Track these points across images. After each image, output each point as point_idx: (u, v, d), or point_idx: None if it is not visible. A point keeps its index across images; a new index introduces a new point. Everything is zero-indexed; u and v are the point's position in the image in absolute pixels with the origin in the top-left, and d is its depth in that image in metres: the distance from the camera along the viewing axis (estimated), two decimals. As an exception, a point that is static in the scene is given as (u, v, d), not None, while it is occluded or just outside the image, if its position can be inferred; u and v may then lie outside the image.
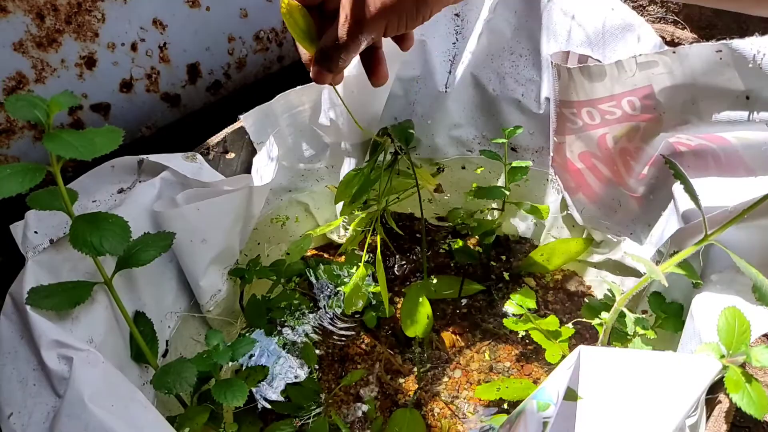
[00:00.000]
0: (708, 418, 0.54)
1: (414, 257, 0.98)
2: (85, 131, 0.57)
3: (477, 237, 0.96)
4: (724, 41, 0.60)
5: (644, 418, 0.50)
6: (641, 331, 0.66)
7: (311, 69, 0.56)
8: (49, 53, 0.74)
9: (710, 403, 0.55)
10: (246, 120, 0.80)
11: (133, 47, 0.83)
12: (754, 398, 0.49)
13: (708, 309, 0.59)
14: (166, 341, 0.75)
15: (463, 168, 0.99)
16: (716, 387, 0.55)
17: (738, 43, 0.59)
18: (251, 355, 0.82)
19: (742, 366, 0.53)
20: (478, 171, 0.98)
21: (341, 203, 0.93)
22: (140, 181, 0.73)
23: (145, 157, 0.74)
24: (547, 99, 0.85)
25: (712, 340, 0.55)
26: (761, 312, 0.56)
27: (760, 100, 0.60)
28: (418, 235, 1.01)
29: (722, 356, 0.52)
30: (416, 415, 0.74)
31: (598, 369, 0.51)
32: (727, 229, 0.58)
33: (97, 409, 0.52)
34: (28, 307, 0.57)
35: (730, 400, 0.50)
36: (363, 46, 0.51)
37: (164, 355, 0.74)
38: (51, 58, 0.75)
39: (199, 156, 0.76)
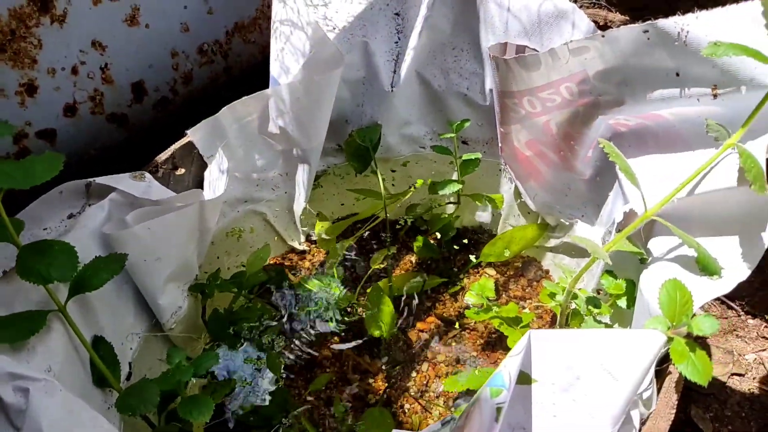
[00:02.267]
0: (659, 389, 0.55)
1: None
2: (24, 160, 0.57)
3: (438, 233, 0.97)
4: (649, 21, 0.62)
5: (597, 396, 0.51)
6: (594, 310, 0.68)
7: None
8: (-15, 83, 0.74)
9: (661, 374, 0.57)
10: (193, 134, 0.80)
11: (74, 71, 0.82)
12: (698, 366, 0.50)
13: (655, 283, 0.61)
14: (129, 363, 0.74)
15: (421, 165, 1.00)
16: (666, 358, 0.56)
17: (663, 23, 0.61)
18: (212, 372, 0.81)
19: (688, 336, 0.55)
20: (433, 165, 0.99)
21: (301, 211, 0.94)
22: (89, 205, 0.73)
23: (92, 180, 0.73)
24: (492, 91, 0.87)
25: (660, 313, 0.57)
26: (704, 282, 0.58)
27: (690, 76, 0.62)
28: (381, 234, 1.02)
29: (668, 328, 0.53)
30: (385, 414, 0.75)
31: (549, 351, 0.52)
32: (666, 203, 0.60)
33: (55, 438, 0.52)
34: (-21, 343, 0.57)
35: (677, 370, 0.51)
36: None
37: (128, 378, 0.74)
38: (-12, 87, 0.74)
39: (147, 174, 0.76)
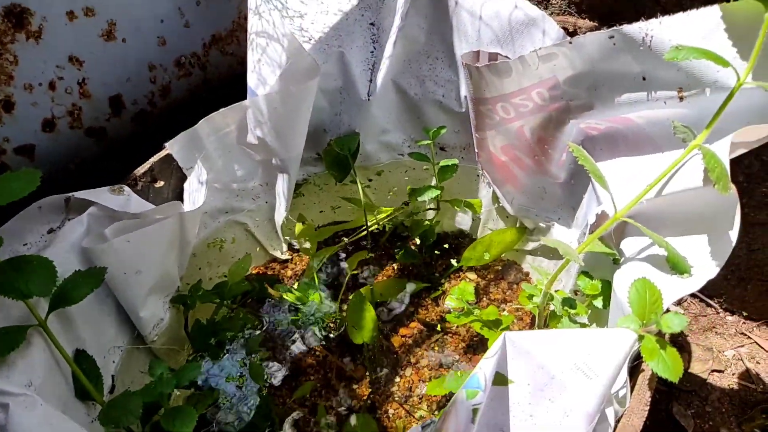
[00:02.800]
0: (633, 387, 0.56)
1: (358, 265, 0.99)
2: (0, 176, 0.57)
3: (418, 238, 0.98)
4: (615, 27, 0.63)
5: (572, 394, 0.52)
6: (571, 311, 0.69)
7: None
8: (-39, 100, 0.74)
9: (634, 372, 0.58)
10: (171, 147, 0.80)
11: (52, 86, 0.83)
12: (668, 363, 0.51)
13: (627, 283, 0.62)
14: (112, 376, 0.74)
15: (401, 172, 1.01)
16: (639, 356, 0.57)
17: (628, 28, 0.62)
18: (195, 383, 0.82)
19: (659, 334, 0.56)
20: (413, 172, 1.00)
21: (282, 220, 0.94)
22: (69, 219, 0.73)
23: (71, 194, 0.73)
24: (467, 97, 0.88)
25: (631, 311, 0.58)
26: (675, 280, 0.59)
27: (656, 80, 0.64)
28: (363, 242, 1.03)
29: (639, 326, 0.54)
30: (369, 420, 0.75)
31: (524, 352, 0.53)
32: (636, 204, 0.61)
33: (37, 453, 0.52)
34: (-41, 359, 0.57)
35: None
36: None
37: (111, 391, 0.74)
38: (-36, 105, 0.74)
39: (126, 188, 0.76)
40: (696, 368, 0.98)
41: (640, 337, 0.53)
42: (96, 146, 0.91)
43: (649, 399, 0.54)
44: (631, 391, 0.56)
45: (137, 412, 0.62)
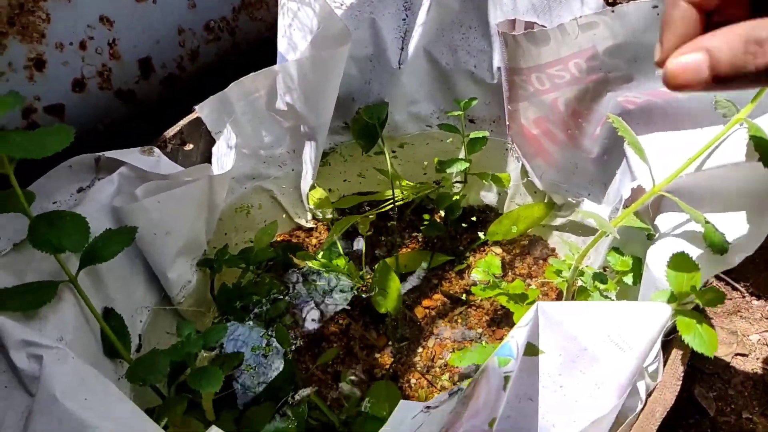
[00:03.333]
0: (665, 361, 0.56)
1: (382, 235, 0.99)
2: (35, 131, 0.57)
3: (443, 211, 0.97)
4: (660, -4, 0.62)
5: (604, 367, 0.52)
6: (601, 286, 0.68)
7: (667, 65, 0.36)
8: (-5, 57, 0.74)
9: (667, 347, 0.57)
10: (201, 110, 0.80)
11: (82, 46, 0.82)
12: (704, 338, 0.51)
13: (661, 258, 0.61)
14: (139, 336, 0.75)
15: (427, 144, 1.00)
16: (673, 331, 0.57)
17: (672, -3, 0.60)
18: (221, 345, 0.83)
19: (696, 308, 0.55)
20: (439, 144, 0.99)
21: (308, 188, 0.94)
22: (98, 179, 0.73)
23: (101, 154, 0.73)
24: (500, 69, 0.87)
25: (667, 287, 0.57)
26: (711, 257, 0.58)
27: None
28: (390, 213, 1.02)
29: (674, 300, 0.54)
30: (393, 387, 0.75)
31: (556, 323, 0.53)
32: (674, 179, 0.60)
33: (69, 404, 0.52)
34: (-7, 311, 0.57)
35: (683, 342, 0.52)
36: None
37: (138, 350, 0.74)
38: (-2, 61, 0.74)
39: (156, 149, 0.76)
40: (720, 351, 0.97)
41: (676, 312, 0.53)
42: (125, 108, 0.91)
43: (682, 374, 0.54)
44: (664, 366, 0.56)
45: (165, 371, 0.63)
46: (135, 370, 0.63)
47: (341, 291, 0.88)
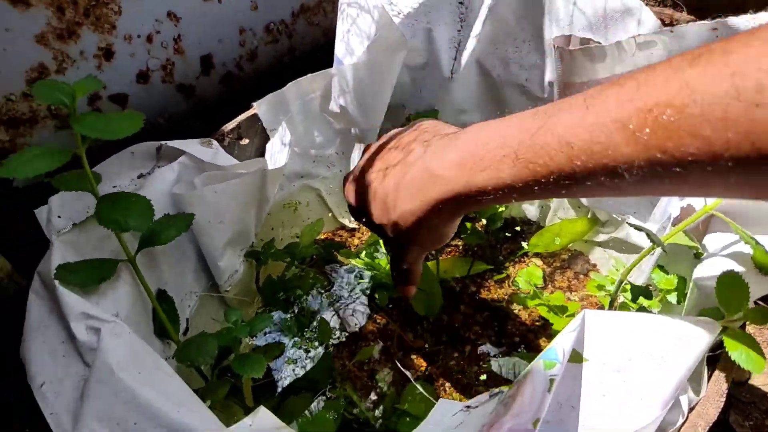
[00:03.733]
0: (710, 377, 0.56)
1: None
2: (108, 114, 0.60)
3: (485, 220, 0.98)
4: (719, 19, 0.62)
5: (648, 379, 0.52)
6: (645, 303, 0.68)
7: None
8: (69, 45, 0.77)
9: (712, 362, 0.57)
10: (259, 107, 0.83)
11: (149, 39, 0.86)
12: (752, 356, 0.51)
13: (709, 277, 0.62)
14: (186, 320, 0.78)
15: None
16: (719, 347, 0.57)
17: (733, 20, 0.61)
18: (266, 333, 0.85)
19: (742, 327, 0.55)
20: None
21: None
22: (159, 167, 0.76)
23: (163, 143, 0.76)
24: (551, 83, 0.88)
25: (712, 306, 0.58)
26: (758, 278, 0.59)
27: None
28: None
29: (722, 317, 0.54)
30: (428, 389, 0.76)
31: (602, 332, 0.53)
32: (725, 199, 0.60)
33: (125, 375, 0.54)
34: (56, 283, 0.60)
35: (730, 359, 0.52)
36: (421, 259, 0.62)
37: (185, 334, 0.77)
38: (71, 49, 0.78)
39: (214, 142, 0.79)
40: (758, 380, 0.96)
41: (724, 329, 0.53)
42: (184, 103, 0.95)
43: (725, 390, 0.54)
44: (708, 381, 0.56)
45: (213, 353, 0.65)
46: (184, 351, 0.65)
47: (382, 290, 0.89)
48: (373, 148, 0.63)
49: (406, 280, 0.63)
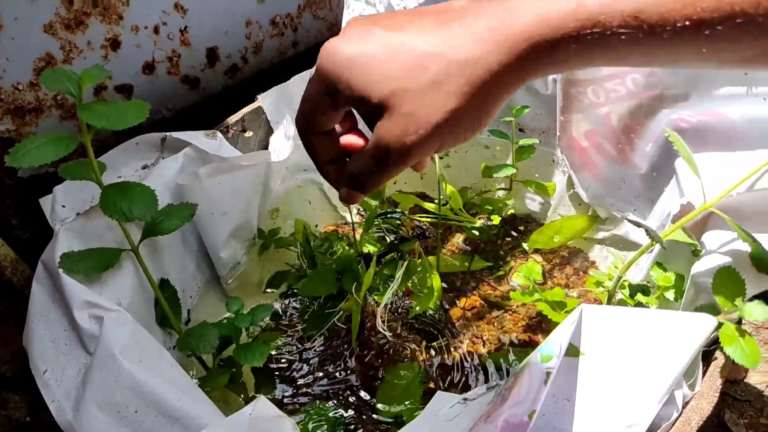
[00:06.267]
0: (704, 372, 0.56)
1: (424, 235, 1.01)
2: (114, 103, 0.61)
3: (486, 215, 0.99)
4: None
5: (643, 373, 0.53)
6: (643, 299, 0.69)
7: (340, 191, 0.49)
8: (76, 35, 0.78)
9: (707, 357, 0.58)
10: (263, 100, 0.83)
11: (156, 30, 0.86)
12: (746, 351, 0.52)
13: (707, 273, 0.62)
14: (188, 311, 0.78)
15: (476, 151, 1.02)
16: (714, 342, 0.58)
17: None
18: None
19: (738, 322, 0.56)
20: (486, 151, 1.01)
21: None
22: (163, 158, 0.77)
23: (168, 134, 0.77)
24: (554, 80, 0.88)
25: (709, 303, 0.58)
26: (756, 275, 0.59)
27: (758, 74, 0.63)
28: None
29: (718, 314, 0.54)
30: (415, 370, 0.77)
31: (599, 326, 0.54)
32: (724, 197, 0.61)
33: (127, 363, 0.55)
34: (60, 271, 0.61)
35: (725, 354, 0.52)
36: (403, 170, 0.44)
37: (186, 324, 0.78)
38: (78, 39, 0.78)
39: (219, 134, 0.80)
40: (753, 379, 0.96)
41: (720, 324, 0.53)
42: (189, 94, 0.95)
43: (720, 386, 0.55)
44: (702, 377, 0.56)
45: (214, 342, 0.66)
46: (186, 340, 0.66)
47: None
48: None
49: (368, 185, 0.46)
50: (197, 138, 0.77)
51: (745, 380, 0.96)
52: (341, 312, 0.84)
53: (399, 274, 0.79)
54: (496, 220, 0.96)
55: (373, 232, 0.96)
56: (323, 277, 0.79)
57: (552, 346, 0.53)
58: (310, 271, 0.80)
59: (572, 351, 0.55)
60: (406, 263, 0.80)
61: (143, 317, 0.70)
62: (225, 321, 0.71)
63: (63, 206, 0.71)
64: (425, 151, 0.42)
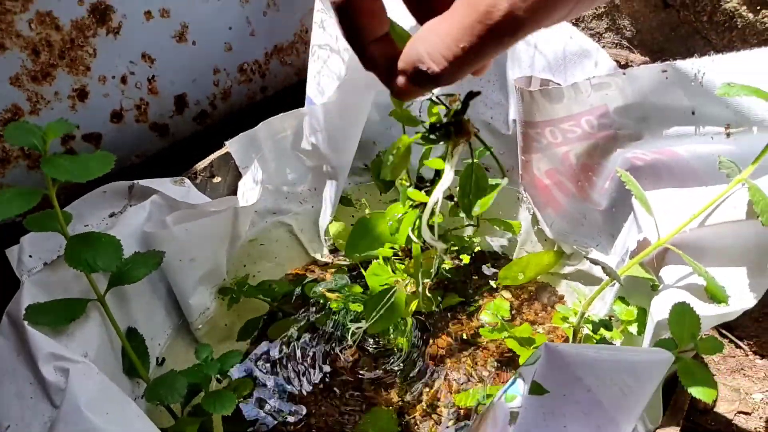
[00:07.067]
0: (666, 407, 0.58)
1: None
2: (79, 156, 0.62)
3: (455, 253, 1.00)
4: (668, 62, 0.66)
5: (606, 409, 0.54)
6: (607, 334, 0.70)
7: (397, 80, 0.34)
8: (43, 86, 0.79)
9: (667, 391, 0.59)
10: (231, 146, 0.85)
11: (123, 80, 0.88)
12: (704, 385, 0.53)
13: (665, 308, 0.64)
14: (157, 358, 0.78)
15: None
16: (674, 377, 0.59)
17: (681, 64, 0.65)
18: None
19: (696, 356, 0.57)
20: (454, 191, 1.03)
21: (326, 225, 0.98)
22: (131, 205, 0.77)
23: (135, 182, 0.77)
24: (515, 121, 0.91)
25: (669, 337, 0.60)
26: (712, 308, 0.61)
27: (704, 115, 0.66)
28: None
29: (675, 348, 0.56)
30: (391, 414, 0.77)
31: (562, 364, 0.55)
32: (678, 233, 0.63)
33: (92, 416, 0.55)
34: (25, 323, 0.60)
35: (683, 388, 0.54)
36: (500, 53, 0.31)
37: (160, 364, 0.77)
38: (45, 90, 0.79)
39: (187, 180, 0.80)
40: (722, 408, 0.98)
41: (677, 359, 0.55)
42: (158, 141, 0.96)
43: (681, 419, 0.56)
44: (664, 411, 0.57)
45: (182, 391, 0.65)
46: (154, 389, 0.65)
47: (353, 323, 0.90)
48: None
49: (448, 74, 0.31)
50: (165, 185, 0.78)
51: (714, 410, 0.98)
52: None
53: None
54: (466, 259, 0.98)
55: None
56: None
57: (516, 385, 0.54)
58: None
59: (536, 389, 0.55)
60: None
61: (111, 367, 0.69)
62: (194, 368, 0.71)
63: (30, 256, 0.70)
64: (559, 10, 0.28)
